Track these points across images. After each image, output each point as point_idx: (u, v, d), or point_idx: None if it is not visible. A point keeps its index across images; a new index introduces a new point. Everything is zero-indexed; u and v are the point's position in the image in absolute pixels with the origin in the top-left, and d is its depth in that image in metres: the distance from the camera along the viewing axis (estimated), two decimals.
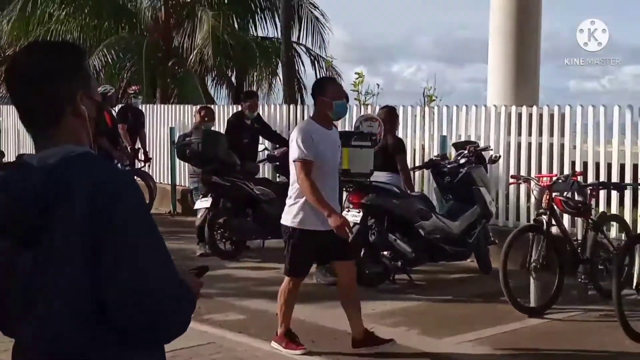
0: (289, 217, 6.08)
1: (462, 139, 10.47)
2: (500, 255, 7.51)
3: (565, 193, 7.95)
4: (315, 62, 22.27)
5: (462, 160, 9.07)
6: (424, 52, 58.39)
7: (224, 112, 13.74)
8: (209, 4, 21.53)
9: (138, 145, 13.02)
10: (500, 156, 9.81)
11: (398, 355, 6.25)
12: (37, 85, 2.05)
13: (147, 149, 13.31)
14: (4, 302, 2.02)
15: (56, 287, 1.92)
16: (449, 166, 9.13)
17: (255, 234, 10.24)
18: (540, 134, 10.08)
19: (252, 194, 10.04)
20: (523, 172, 9.84)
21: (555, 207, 7.80)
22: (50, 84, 2.05)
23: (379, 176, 8.55)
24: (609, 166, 9.41)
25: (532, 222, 8.34)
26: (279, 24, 19.98)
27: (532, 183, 8.13)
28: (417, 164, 10.60)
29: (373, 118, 9.41)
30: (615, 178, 9.20)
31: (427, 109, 11.80)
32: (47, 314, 1.94)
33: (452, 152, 9.92)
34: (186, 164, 11.95)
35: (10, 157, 12.94)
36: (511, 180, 9.28)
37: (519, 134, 10.27)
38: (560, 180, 7.95)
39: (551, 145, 9.96)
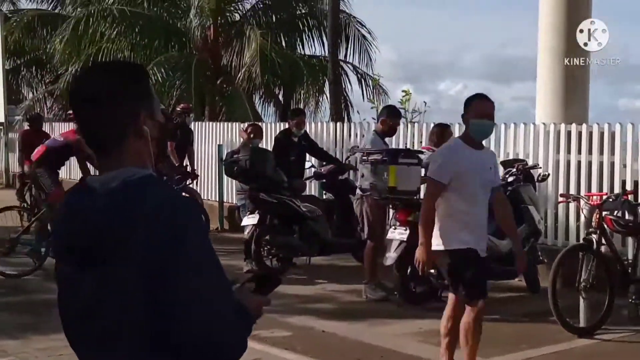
0: (435, 240, 5.60)
1: (510, 157, 10.39)
2: (549, 274, 7.42)
3: (615, 212, 7.85)
4: (362, 80, 22.30)
5: (511, 179, 9.01)
6: (471, 70, 58.16)
7: (271, 129, 13.82)
8: (257, 23, 21.71)
9: (186, 162, 13.15)
10: (549, 174, 9.72)
11: None
12: (100, 106, 2.04)
13: (195, 167, 13.43)
14: (66, 320, 2.07)
15: (114, 312, 1.93)
16: None
17: (302, 251, 10.26)
18: (590, 152, 9.96)
19: (298, 211, 10.07)
20: (572, 191, 9.72)
21: (605, 226, 7.70)
22: (112, 104, 2.04)
23: None
24: None
25: (581, 241, 8.23)
26: (326, 42, 20.07)
27: (582, 202, 8.04)
28: None
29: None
30: None
31: None
32: (107, 344, 1.96)
33: (500, 170, 9.85)
34: (234, 180, 12.03)
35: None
36: (560, 199, 9.18)
37: (568, 152, 10.16)
38: (610, 199, 7.85)
39: (601, 163, 9.83)
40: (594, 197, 8.01)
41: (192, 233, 1.95)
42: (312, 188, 12.37)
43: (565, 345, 7.01)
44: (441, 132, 9.46)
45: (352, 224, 10.42)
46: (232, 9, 22.18)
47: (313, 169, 11.40)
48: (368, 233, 8.75)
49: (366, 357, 6.57)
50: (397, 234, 8.21)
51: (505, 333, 7.47)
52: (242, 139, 11.61)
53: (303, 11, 22.99)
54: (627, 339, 7.30)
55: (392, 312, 8.10)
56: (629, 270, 7.77)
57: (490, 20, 78.20)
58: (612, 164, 9.76)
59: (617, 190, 9.22)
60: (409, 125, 12.67)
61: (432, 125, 10.43)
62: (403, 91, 17.06)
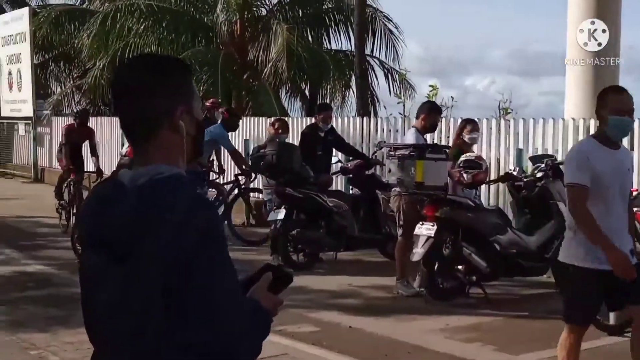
0: (564, 251, 5.09)
1: (539, 152, 10.30)
2: None
3: None
4: (389, 75, 22.25)
5: (539, 174, 8.91)
6: (499, 65, 57.70)
7: (297, 124, 13.82)
8: (284, 17, 21.73)
9: (213, 157, 13.16)
10: None
11: None
12: (136, 98, 2.04)
13: (222, 161, 13.44)
14: (89, 314, 2.07)
15: (137, 309, 1.93)
16: (525, 180, 8.99)
17: (328, 246, 10.24)
18: None
19: (325, 206, 10.05)
20: None
21: (635, 222, 7.60)
22: (149, 96, 2.04)
23: None
24: None
25: None
26: (352, 37, 20.02)
27: None
28: (492, 178, 10.47)
29: (479, 157, 9.20)
30: None
31: (502, 122, 11.65)
32: (127, 341, 1.95)
33: (529, 166, 9.77)
34: (260, 175, 12.04)
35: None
36: None
37: None
38: None
39: (631, 159, 9.71)
40: None
41: (213, 239, 1.96)
42: (338, 183, 12.35)
43: (595, 343, 6.92)
44: (461, 127, 9.42)
45: (378, 219, 10.39)
46: (258, 3, 22.20)
47: (340, 164, 11.37)
48: (403, 229, 8.67)
49: (393, 353, 6.54)
50: (425, 229, 8.16)
51: (534, 330, 7.40)
52: (269, 134, 11.61)
53: (330, 6, 22.97)
54: None
55: (419, 308, 8.07)
56: None
57: (519, 16, 77.69)
58: None
59: None
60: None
61: (459, 120, 10.38)
62: (430, 86, 17.06)
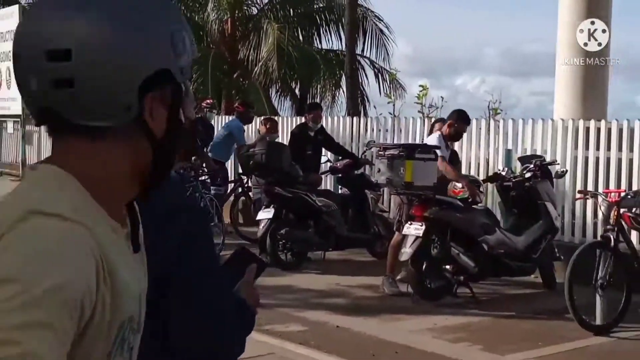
0: None
1: (528, 152, 10.32)
2: (565, 271, 7.36)
3: (633, 209, 7.77)
4: (379, 75, 22.27)
5: (528, 175, 8.93)
6: (489, 65, 57.78)
7: (287, 123, 13.80)
8: (275, 16, 21.71)
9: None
10: (567, 171, 9.63)
11: None
12: None
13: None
14: None
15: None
16: (514, 180, 9.01)
17: (317, 246, 10.24)
18: (609, 148, 9.88)
19: (314, 206, 10.05)
20: (590, 187, 9.66)
21: (623, 223, 7.63)
22: None
23: None
24: None
25: (599, 238, 8.16)
26: (343, 37, 20.03)
27: (600, 198, 7.97)
28: (481, 178, 10.48)
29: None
30: None
31: (492, 122, 11.67)
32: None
33: (518, 166, 9.79)
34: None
35: None
36: (578, 196, 9.11)
37: (587, 148, 10.08)
38: (628, 196, 7.77)
39: (619, 160, 9.75)
40: (612, 194, 7.94)
41: (201, 240, 1.97)
42: (327, 182, 12.34)
43: (582, 343, 6.95)
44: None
45: (367, 218, 10.40)
46: (249, 2, 22.21)
47: (329, 164, 11.37)
48: (402, 226, 8.63)
49: (380, 352, 6.54)
50: (413, 229, 8.16)
51: (521, 330, 7.42)
52: (258, 133, 11.59)
53: (321, 5, 22.98)
54: None
55: (407, 308, 8.07)
56: None
57: (510, 16, 77.86)
58: (630, 161, 9.69)
59: (635, 187, 9.16)
60: (426, 120, 12.61)
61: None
62: (420, 86, 16.99)
